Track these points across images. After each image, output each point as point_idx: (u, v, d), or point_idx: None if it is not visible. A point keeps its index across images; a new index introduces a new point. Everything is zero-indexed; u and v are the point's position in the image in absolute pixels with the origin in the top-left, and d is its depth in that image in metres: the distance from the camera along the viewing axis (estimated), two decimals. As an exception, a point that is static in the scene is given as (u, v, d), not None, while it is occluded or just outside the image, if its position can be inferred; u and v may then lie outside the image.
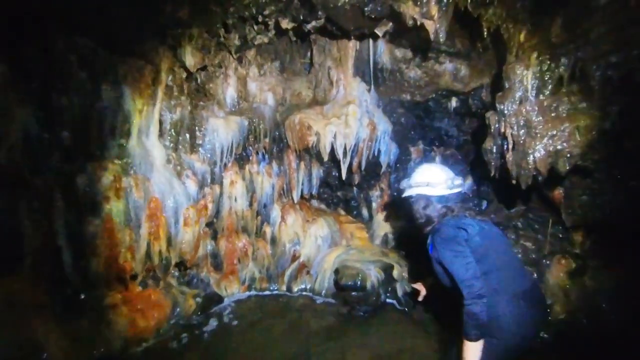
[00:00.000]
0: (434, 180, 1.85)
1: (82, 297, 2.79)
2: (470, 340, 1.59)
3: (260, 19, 3.21)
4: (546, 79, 2.50)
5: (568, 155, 2.43)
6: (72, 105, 2.65)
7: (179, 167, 3.37)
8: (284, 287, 3.83)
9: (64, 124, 2.64)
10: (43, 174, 2.58)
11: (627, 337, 2.70)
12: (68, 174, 2.68)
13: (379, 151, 4.02)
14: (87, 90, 2.71)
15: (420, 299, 2.41)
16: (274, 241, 4.02)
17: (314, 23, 3.27)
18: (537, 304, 1.71)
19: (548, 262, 3.11)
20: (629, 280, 2.92)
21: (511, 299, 1.64)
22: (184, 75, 3.40)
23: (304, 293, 3.77)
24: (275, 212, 4.05)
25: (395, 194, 4.28)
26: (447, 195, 1.83)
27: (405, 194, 1.95)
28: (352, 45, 3.84)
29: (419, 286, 2.47)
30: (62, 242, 2.67)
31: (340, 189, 4.54)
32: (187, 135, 3.45)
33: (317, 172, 4.23)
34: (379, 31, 3.25)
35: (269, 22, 3.28)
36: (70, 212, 2.68)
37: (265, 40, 3.56)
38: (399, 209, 3.99)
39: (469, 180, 4.31)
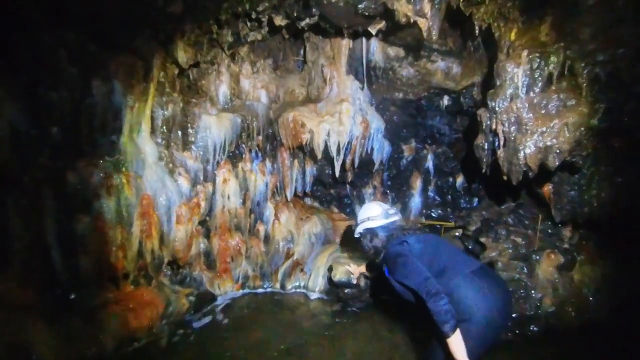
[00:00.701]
0: (372, 214, 2.10)
1: (73, 296, 2.74)
2: (449, 335, 1.65)
3: (253, 15, 3.19)
4: (536, 76, 2.56)
5: (557, 151, 2.48)
6: (62, 101, 2.60)
7: (171, 165, 3.33)
8: (277, 285, 3.83)
9: (53, 120, 2.59)
10: (32, 171, 2.52)
11: (612, 329, 2.78)
12: (58, 171, 2.63)
13: (372, 149, 4.04)
14: (77, 86, 2.66)
15: (354, 281, 2.80)
16: (267, 239, 4.01)
17: (307, 20, 3.27)
18: (491, 278, 1.83)
19: (538, 257, 3.17)
20: (614, 273, 3.01)
21: (466, 279, 1.76)
22: (176, 71, 3.37)
23: (298, 290, 3.77)
24: (269, 210, 4.04)
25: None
26: (385, 224, 2.05)
27: (356, 235, 2.17)
28: (346, 43, 3.85)
29: (353, 269, 2.77)
30: (52, 241, 2.62)
31: (334, 187, 4.55)
32: (179, 133, 3.42)
33: (310, 169, 4.23)
34: (372, 29, 3.27)
35: (263, 19, 3.27)
36: (60, 210, 2.63)
37: (259, 37, 3.55)
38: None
39: (461, 178, 4.38)
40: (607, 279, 2.98)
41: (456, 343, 1.64)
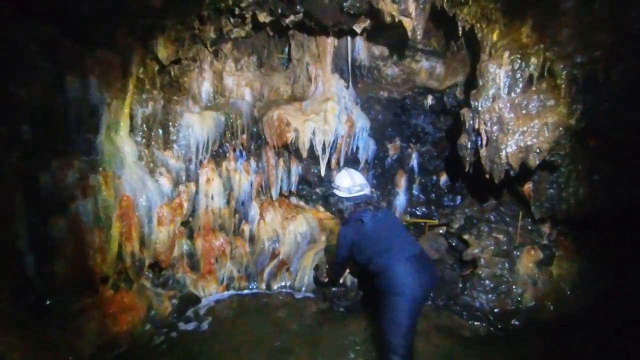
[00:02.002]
0: (341, 185, 2.44)
1: (48, 303, 2.61)
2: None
3: (236, 11, 3.13)
4: (517, 77, 2.61)
5: (537, 150, 2.55)
6: (33, 97, 2.46)
7: (151, 164, 3.23)
8: (263, 285, 3.78)
9: (24, 118, 2.45)
10: (1, 172, 2.39)
11: (589, 321, 2.89)
12: (29, 172, 2.49)
13: (358, 148, 4.05)
14: (49, 82, 2.53)
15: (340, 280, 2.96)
16: (252, 239, 3.96)
17: (292, 17, 3.23)
18: (426, 263, 2.21)
19: (518, 253, 3.26)
20: (590, 267, 3.13)
21: (406, 261, 2.11)
22: (156, 68, 3.26)
23: (284, 290, 3.73)
24: (254, 209, 3.98)
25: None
26: (349, 197, 2.40)
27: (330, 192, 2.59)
28: (331, 41, 3.83)
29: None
30: (24, 245, 2.49)
31: (319, 186, 4.52)
32: (160, 131, 3.31)
33: (295, 168, 4.20)
34: (357, 28, 3.27)
35: (246, 15, 3.21)
36: (32, 213, 2.50)
37: (242, 34, 3.49)
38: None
39: (444, 176, 4.44)
40: (584, 273, 3.10)
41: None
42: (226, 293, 3.67)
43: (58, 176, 2.60)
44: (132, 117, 3.10)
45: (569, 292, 3.08)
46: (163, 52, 3.15)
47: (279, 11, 3.14)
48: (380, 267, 2.15)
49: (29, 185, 2.50)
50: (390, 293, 2.09)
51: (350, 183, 2.42)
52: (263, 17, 3.20)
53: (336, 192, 2.47)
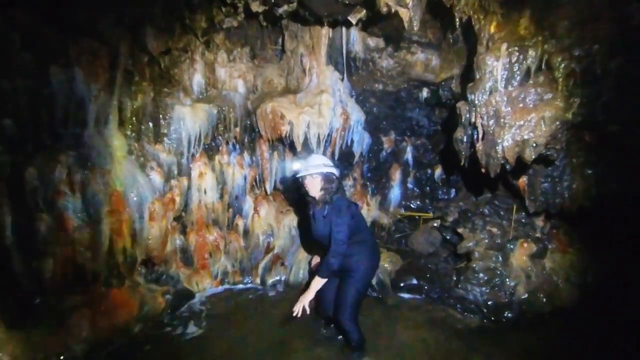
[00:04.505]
0: (328, 163, 2.53)
1: (37, 301, 2.56)
2: (322, 277, 2.37)
3: (228, 0, 3.03)
4: (515, 70, 2.57)
5: (534, 144, 2.53)
6: (16, 90, 2.36)
7: (142, 159, 3.15)
8: (258, 280, 3.76)
9: (6, 111, 2.36)
10: (-17, 168, 2.30)
11: (580, 313, 2.94)
12: (14, 167, 2.41)
13: (352, 141, 4.00)
14: (32, 74, 2.42)
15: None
16: (246, 233, 3.92)
17: (285, 7, 3.13)
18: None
19: (512, 246, 3.28)
20: (582, 260, 3.17)
21: (370, 246, 2.51)
22: (146, 59, 3.16)
23: (279, 285, 3.72)
24: (248, 203, 3.93)
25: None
26: (336, 173, 2.55)
27: (307, 173, 2.47)
28: (325, 32, 3.73)
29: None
30: (10, 242, 2.42)
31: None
32: (151, 124, 3.23)
33: (290, 162, 4.14)
34: (352, 18, 3.19)
35: (238, 4, 3.11)
36: (18, 209, 2.42)
37: (234, 23, 3.39)
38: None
39: (439, 170, 4.43)
40: (576, 266, 3.14)
41: (320, 282, 2.38)
42: (220, 288, 3.65)
43: (44, 171, 2.52)
44: (121, 110, 3.00)
45: (561, 285, 3.12)
46: (152, 42, 3.05)
47: (272, 0, 3.04)
48: (353, 247, 2.41)
49: (14, 180, 2.41)
50: (358, 270, 2.41)
51: (332, 162, 2.64)
52: (256, 7, 3.09)
53: (324, 169, 2.45)
